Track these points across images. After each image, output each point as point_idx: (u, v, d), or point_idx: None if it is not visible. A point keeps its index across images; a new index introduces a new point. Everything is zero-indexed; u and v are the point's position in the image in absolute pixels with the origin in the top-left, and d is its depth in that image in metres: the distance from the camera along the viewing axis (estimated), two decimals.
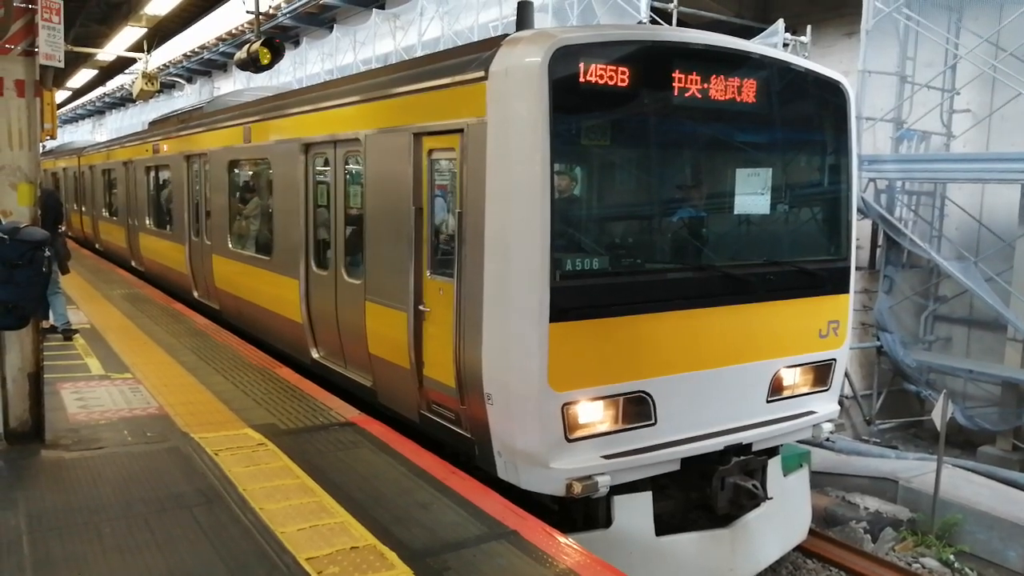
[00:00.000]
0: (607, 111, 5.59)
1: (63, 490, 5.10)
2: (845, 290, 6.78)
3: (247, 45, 13.44)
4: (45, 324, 7.41)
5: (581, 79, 5.19)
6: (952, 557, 8.77)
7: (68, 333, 9.57)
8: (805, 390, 6.66)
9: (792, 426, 6.51)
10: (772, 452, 6.69)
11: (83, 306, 10.30)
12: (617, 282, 5.64)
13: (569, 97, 5.22)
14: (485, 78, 5.48)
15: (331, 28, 24.16)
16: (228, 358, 8.82)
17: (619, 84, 5.31)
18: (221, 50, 30.42)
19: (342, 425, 6.62)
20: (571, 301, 5.28)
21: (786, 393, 6.52)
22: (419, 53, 18.79)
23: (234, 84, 29.28)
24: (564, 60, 5.15)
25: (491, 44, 5.70)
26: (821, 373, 6.75)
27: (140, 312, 11.50)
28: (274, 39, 13.62)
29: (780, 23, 13.28)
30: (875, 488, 9.92)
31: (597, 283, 5.49)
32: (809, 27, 14.17)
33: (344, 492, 5.18)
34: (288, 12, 24.51)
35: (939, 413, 9.36)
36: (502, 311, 5.39)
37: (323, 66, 23.89)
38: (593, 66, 5.20)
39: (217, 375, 8.06)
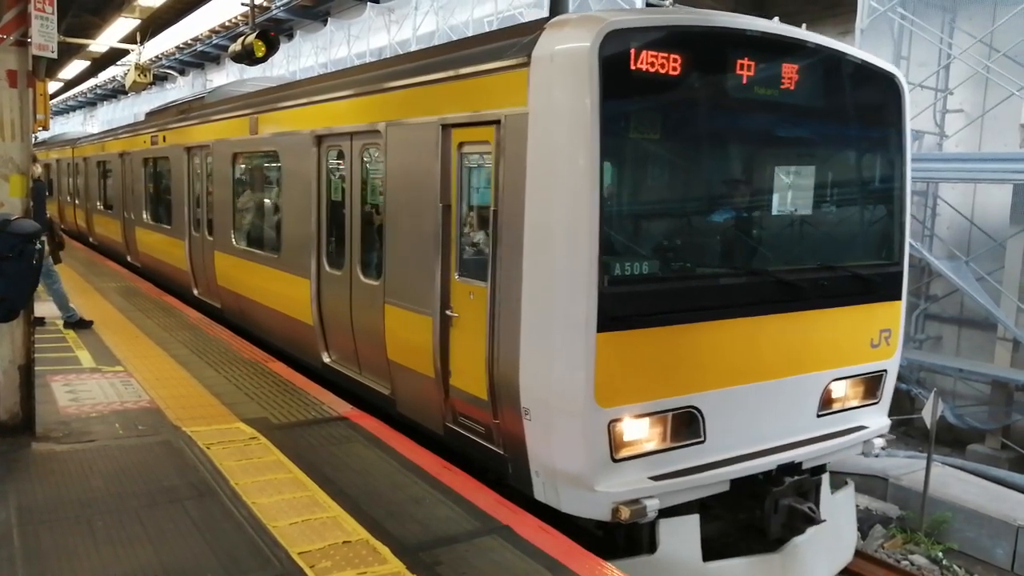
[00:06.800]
0: (659, 101, 5.16)
1: (54, 483, 5.08)
2: (898, 296, 6.39)
3: (242, 38, 13.41)
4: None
5: (632, 66, 4.77)
6: (941, 554, 8.84)
7: (74, 324, 9.62)
8: (855, 403, 6.25)
9: (844, 442, 6.08)
10: (820, 470, 6.24)
11: (75, 299, 10.26)
12: (669, 288, 5.25)
13: (619, 85, 4.80)
14: (527, 64, 5.03)
15: (325, 21, 24.10)
16: (220, 352, 8.79)
17: (671, 72, 4.92)
18: (214, 42, 30.26)
19: (335, 420, 6.61)
20: (620, 309, 4.86)
21: (836, 407, 6.11)
22: (413, 47, 18.79)
23: (227, 77, 29.16)
24: (614, 45, 4.73)
25: (532, 28, 5.25)
26: (872, 385, 6.37)
27: (132, 305, 11.46)
28: (269, 32, 13.59)
29: (775, 21, 13.28)
30: (865, 485, 9.98)
31: (648, 289, 5.08)
32: (804, 25, 14.13)
33: (337, 487, 5.17)
34: (282, 5, 24.41)
35: (929, 411, 9.42)
36: (543, 319, 4.98)
37: (317, 59, 23.85)
38: (644, 52, 4.78)
39: (209, 369, 8.04)
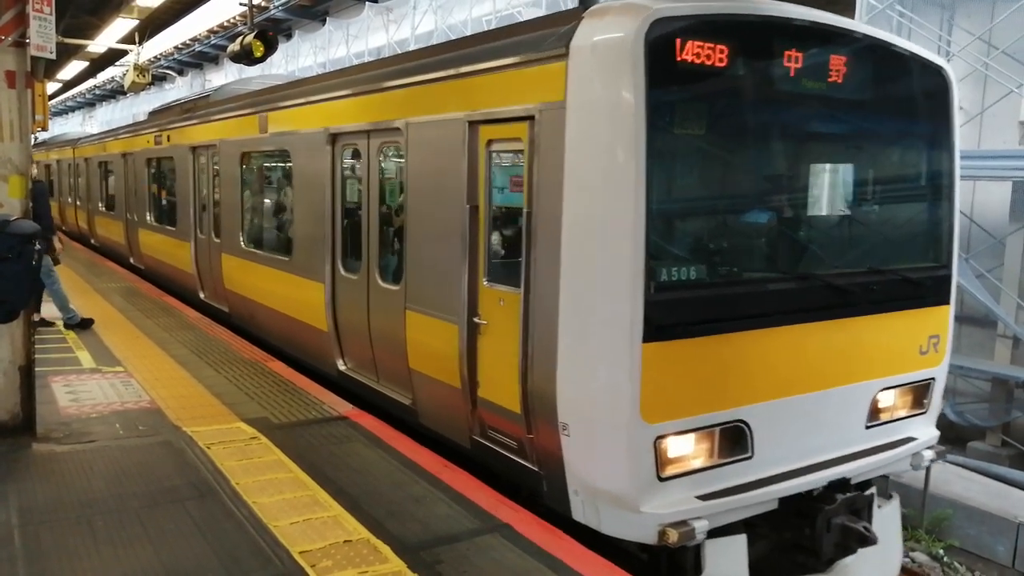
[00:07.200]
0: (706, 94, 4.89)
1: (55, 484, 5.09)
2: (947, 301, 6.09)
3: (240, 38, 13.41)
4: (35, 317, 7.38)
5: (678, 57, 4.51)
6: (942, 551, 8.83)
7: (75, 324, 9.62)
8: (903, 413, 5.97)
9: (893, 455, 5.78)
10: (868, 484, 5.94)
11: (75, 300, 10.26)
12: (719, 294, 4.94)
13: (665, 77, 4.52)
14: (565, 55, 4.74)
15: (324, 21, 24.11)
16: (220, 351, 8.80)
17: (717, 63, 4.65)
18: (212, 43, 30.28)
19: (335, 419, 6.61)
20: (668, 317, 4.56)
21: (884, 417, 5.83)
22: (412, 47, 18.79)
23: (225, 77, 29.16)
24: (659, 34, 4.47)
25: (568, 17, 5.00)
26: (919, 394, 6.07)
27: (132, 306, 11.46)
28: (267, 32, 13.58)
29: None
30: None
31: (697, 296, 4.78)
32: None
33: (337, 486, 5.18)
34: (281, 5, 24.42)
35: None
36: (583, 328, 4.70)
37: (315, 59, 23.85)
38: (691, 43, 4.52)
39: (209, 369, 8.05)
